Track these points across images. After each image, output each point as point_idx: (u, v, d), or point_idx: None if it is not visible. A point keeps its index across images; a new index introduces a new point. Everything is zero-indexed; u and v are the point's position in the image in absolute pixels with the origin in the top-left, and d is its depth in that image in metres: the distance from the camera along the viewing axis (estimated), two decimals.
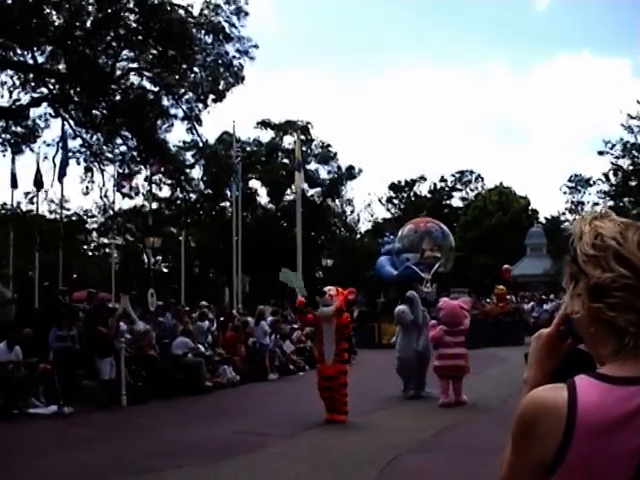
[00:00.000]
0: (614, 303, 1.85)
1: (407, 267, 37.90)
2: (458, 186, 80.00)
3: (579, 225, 2.00)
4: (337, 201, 72.12)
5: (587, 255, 1.91)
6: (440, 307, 17.31)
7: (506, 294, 39.78)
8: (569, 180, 71.87)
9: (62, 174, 31.75)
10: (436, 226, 42.41)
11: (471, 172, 79.53)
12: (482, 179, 79.26)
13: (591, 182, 64.83)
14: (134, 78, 24.87)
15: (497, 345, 30.74)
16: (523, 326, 35.85)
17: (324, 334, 14.64)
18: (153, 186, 33.65)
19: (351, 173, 69.77)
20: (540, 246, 59.31)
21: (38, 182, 34.68)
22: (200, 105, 25.67)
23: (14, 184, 36.61)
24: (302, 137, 55.13)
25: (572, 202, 70.97)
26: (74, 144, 29.45)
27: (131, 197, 33.08)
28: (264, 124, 67.64)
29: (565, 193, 72.57)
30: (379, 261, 41.66)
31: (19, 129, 26.12)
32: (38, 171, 34.07)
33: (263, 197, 69.17)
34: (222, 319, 27.60)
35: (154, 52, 23.88)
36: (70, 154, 30.37)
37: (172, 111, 25.96)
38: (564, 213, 71.51)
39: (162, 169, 29.08)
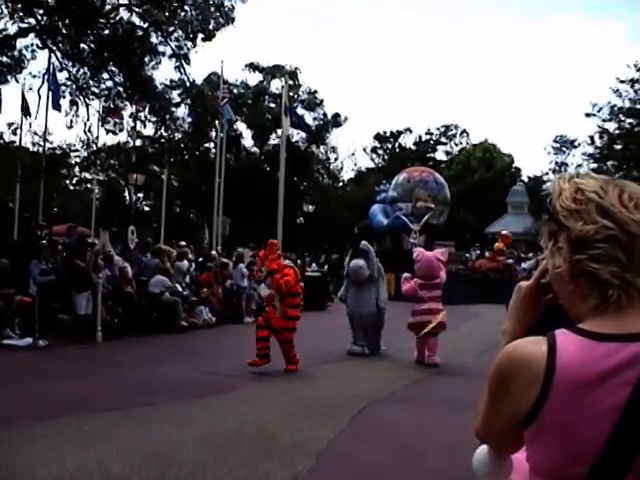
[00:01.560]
0: (597, 254, 1.86)
1: (397, 217, 37.88)
2: (443, 140, 79.83)
3: (558, 183, 2.00)
4: (321, 148, 72.05)
5: (568, 209, 1.92)
6: (415, 258, 15.96)
7: (503, 249, 39.08)
8: (554, 141, 72.09)
9: (55, 106, 31.41)
10: (431, 176, 42.17)
11: (456, 127, 79.40)
12: (467, 134, 79.29)
13: (576, 144, 65.30)
14: (123, 13, 24.68)
15: (484, 302, 30.25)
16: (512, 284, 34.99)
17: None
18: (137, 123, 33.35)
19: (337, 121, 69.75)
20: (522, 204, 59.29)
21: (25, 110, 34.36)
22: (189, 44, 25.54)
23: None
24: (290, 82, 54.84)
25: (556, 163, 71.26)
26: (60, 77, 29.30)
27: (115, 133, 32.94)
28: (252, 67, 67.35)
29: (549, 153, 73.04)
30: (372, 209, 41.48)
31: (5, 59, 25.86)
32: (24, 99, 33.77)
33: (248, 140, 68.99)
34: (200, 260, 27.60)
35: None
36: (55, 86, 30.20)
37: (160, 48, 25.84)
38: (547, 173, 71.76)
39: (143, 106, 28.82)
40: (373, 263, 16.66)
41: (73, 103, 27.39)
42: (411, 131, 78.21)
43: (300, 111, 65.30)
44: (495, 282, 33.73)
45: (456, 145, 79.51)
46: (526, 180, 72.33)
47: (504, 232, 43.57)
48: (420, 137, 78.57)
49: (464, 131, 79.24)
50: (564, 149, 70.89)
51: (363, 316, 16.34)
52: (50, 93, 30.30)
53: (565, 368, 1.81)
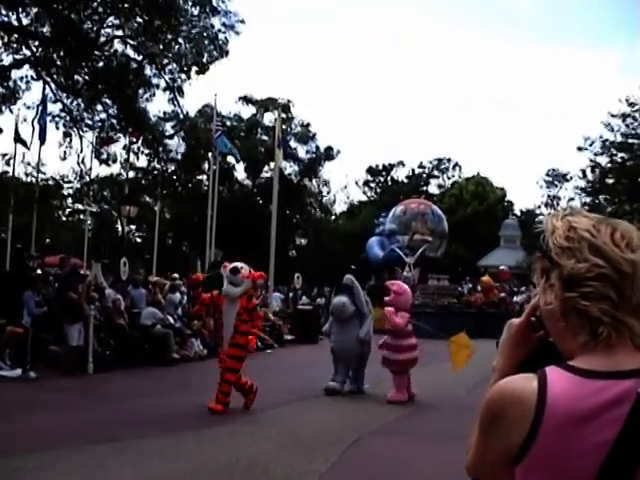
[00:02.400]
0: (588, 292, 1.86)
1: (392, 250, 37.72)
2: (435, 173, 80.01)
3: (551, 221, 2.01)
4: (314, 181, 72.17)
5: (561, 247, 1.92)
6: (398, 290, 15.43)
7: (492, 284, 38.33)
8: (546, 174, 72.25)
9: (42, 139, 31.50)
10: (429, 208, 41.88)
11: (449, 160, 79.54)
12: (460, 167, 79.29)
13: (568, 177, 65.56)
14: (118, 45, 24.80)
15: (478, 336, 29.24)
16: (507, 317, 34.14)
17: (224, 316, 12.97)
18: (131, 155, 33.45)
19: (329, 154, 69.84)
20: (514, 238, 59.33)
21: (19, 140, 34.40)
22: (183, 76, 25.61)
23: None
24: (282, 115, 55.02)
25: (548, 196, 71.41)
26: (54, 108, 29.42)
27: (108, 164, 33.04)
28: (246, 99, 67.55)
29: (542, 187, 72.97)
30: (369, 242, 41.25)
31: (0, 89, 25.98)
32: (17, 131, 33.82)
33: (240, 173, 69.11)
34: (192, 292, 27.54)
35: (139, 21, 23.79)
36: (49, 118, 30.33)
37: (154, 81, 25.94)
38: (540, 207, 71.82)
39: (137, 136, 28.89)
40: (359, 298, 16.07)
41: (67, 134, 27.48)
42: (404, 164, 78.37)
43: (293, 144, 65.67)
44: (489, 316, 32.81)
45: (449, 178, 79.60)
46: (518, 214, 72.48)
47: (502, 267, 43.23)
48: (413, 170, 78.72)
49: (457, 164, 79.39)
50: (556, 183, 71.17)
51: (346, 352, 15.74)
52: (38, 126, 30.41)
53: (555, 404, 1.82)
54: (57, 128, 29.86)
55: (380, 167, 78.71)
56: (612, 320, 1.86)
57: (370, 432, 11.32)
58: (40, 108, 28.58)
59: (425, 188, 78.34)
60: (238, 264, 13.04)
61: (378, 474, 8.88)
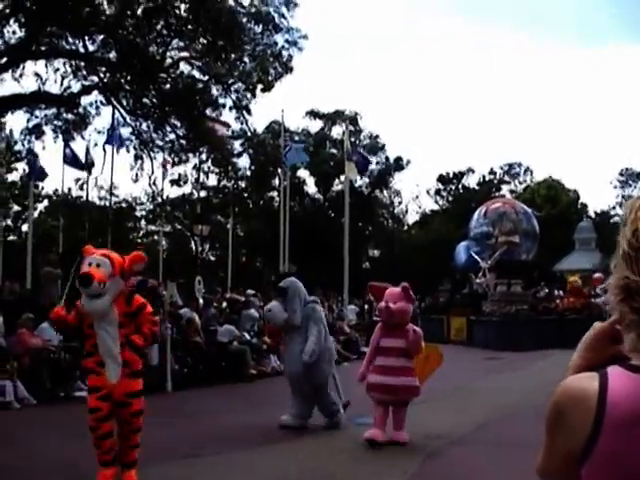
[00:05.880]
0: (638, 307, 1.84)
1: (470, 255, 37.11)
2: (506, 178, 79.33)
3: (628, 209, 1.97)
4: (385, 192, 72.12)
5: (623, 250, 1.90)
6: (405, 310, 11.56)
7: (580, 286, 36.20)
8: (620, 174, 71.18)
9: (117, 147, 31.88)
10: (512, 207, 40.56)
11: (519, 164, 78.85)
12: (531, 172, 78.54)
13: None
14: (184, 67, 25.14)
15: (559, 346, 25.66)
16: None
17: (98, 338, 8.44)
18: (201, 174, 33.82)
19: (399, 164, 69.78)
20: (589, 240, 58.45)
21: (89, 165, 34.96)
22: (249, 95, 25.78)
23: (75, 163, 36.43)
24: (351, 127, 55.10)
25: (623, 196, 70.20)
26: (124, 132, 29.97)
27: (179, 184, 33.45)
28: (313, 114, 67.82)
29: (616, 187, 71.90)
30: (457, 248, 40.34)
31: (70, 116, 26.50)
32: (88, 153, 34.38)
33: (311, 187, 69.36)
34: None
35: (204, 41, 24.07)
36: (120, 141, 30.90)
37: (221, 100, 26.16)
38: (614, 207, 70.72)
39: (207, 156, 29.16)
40: (292, 306, 12.73)
41: (137, 157, 27.90)
42: (474, 171, 77.83)
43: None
44: (572, 323, 29.33)
45: (520, 183, 78.91)
46: (593, 216, 71.46)
47: (597, 275, 39.28)
48: (484, 177, 78.16)
49: (527, 169, 78.71)
50: (630, 182, 70.13)
51: (292, 376, 12.99)
52: (112, 147, 30.92)
53: (616, 404, 1.80)
54: (128, 151, 30.45)
55: (451, 175, 78.31)
56: None
57: (449, 442, 11.22)
58: (110, 132, 29.04)
59: (497, 194, 77.81)
60: (92, 266, 8.43)
61: None
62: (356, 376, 11.41)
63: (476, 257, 36.31)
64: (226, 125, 29.49)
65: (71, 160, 35.34)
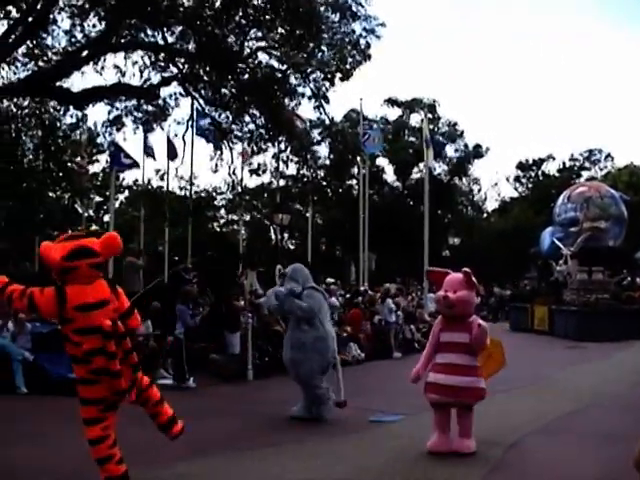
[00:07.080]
0: None
1: (552, 242, 36.45)
2: (587, 165, 78.09)
3: None
4: (464, 180, 71.73)
5: None
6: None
7: None
8: None
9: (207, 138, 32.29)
10: (596, 192, 39.00)
11: (600, 151, 77.55)
12: (612, 158, 77.19)
13: None
14: (262, 57, 25.07)
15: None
16: None
17: None
18: (280, 163, 33.91)
19: (478, 152, 69.35)
20: None
21: (172, 155, 35.38)
22: (327, 83, 25.69)
23: (151, 155, 36.92)
24: (429, 115, 54.84)
25: None
26: (203, 122, 30.20)
27: (258, 174, 33.66)
28: (391, 102, 67.67)
29: None
30: (542, 234, 39.27)
31: (150, 107, 26.77)
32: (170, 142, 34.79)
33: (390, 175, 69.21)
34: (348, 296, 27.76)
35: (282, 31, 24.03)
36: (199, 132, 31.26)
37: (299, 89, 26.10)
38: None
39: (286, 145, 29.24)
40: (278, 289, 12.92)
41: (217, 147, 28.06)
42: (554, 158, 76.79)
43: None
44: None
45: (601, 170, 77.53)
46: None
47: None
48: (564, 163, 77.07)
49: (608, 155, 77.38)
50: None
51: (286, 363, 13.29)
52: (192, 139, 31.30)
53: None
54: (207, 141, 30.67)
55: (530, 162, 77.43)
56: None
57: (531, 432, 11.08)
58: (190, 123, 29.27)
59: (577, 181, 76.76)
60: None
61: (540, 475, 8.68)
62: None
63: (558, 243, 35.63)
64: (302, 119, 29.58)
65: (151, 151, 35.92)
